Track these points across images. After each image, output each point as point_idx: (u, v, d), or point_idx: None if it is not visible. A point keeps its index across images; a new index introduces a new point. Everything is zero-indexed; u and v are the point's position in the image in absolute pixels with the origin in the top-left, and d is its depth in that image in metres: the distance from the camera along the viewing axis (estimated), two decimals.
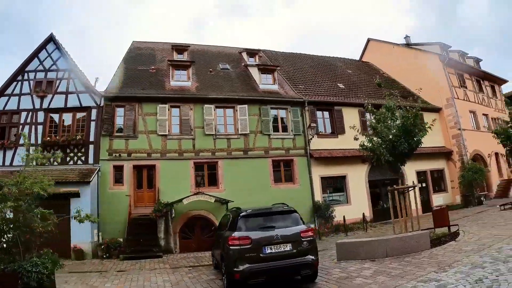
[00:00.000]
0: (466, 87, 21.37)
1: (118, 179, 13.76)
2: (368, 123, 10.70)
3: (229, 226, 7.01)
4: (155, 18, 77.12)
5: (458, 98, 20.29)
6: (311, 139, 16.24)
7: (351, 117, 17.49)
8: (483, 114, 21.86)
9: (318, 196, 15.85)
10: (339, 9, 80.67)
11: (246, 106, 16.02)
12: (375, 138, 10.53)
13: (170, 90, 16.00)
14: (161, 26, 74.72)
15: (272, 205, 8.03)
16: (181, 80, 16.82)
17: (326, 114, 17.51)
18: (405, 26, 70.95)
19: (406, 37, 24.35)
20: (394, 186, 10.47)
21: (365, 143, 10.82)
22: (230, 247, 6.10)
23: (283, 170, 16.02)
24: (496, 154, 22.09)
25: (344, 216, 14.63)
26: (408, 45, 22.91)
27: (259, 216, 6.68)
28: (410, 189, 10.61)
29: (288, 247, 6.06)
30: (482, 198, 18.82)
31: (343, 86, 19.43)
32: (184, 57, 19.80)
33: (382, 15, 77.95)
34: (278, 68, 18.61)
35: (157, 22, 76.10)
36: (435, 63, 20.39)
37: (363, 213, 14.99)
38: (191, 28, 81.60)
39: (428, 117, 19.86)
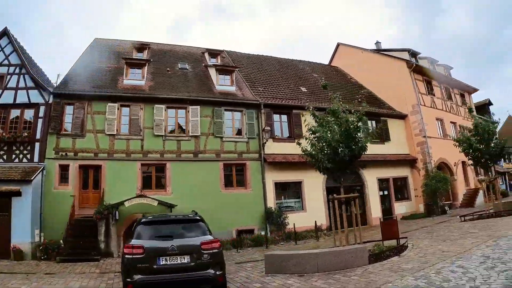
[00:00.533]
0: (434, 94, 20.65)
1: (64, 179, 13.08)
2: (308, 127, 9.69)
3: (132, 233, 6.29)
4: (136, 19, 76.29)
5: (424, 105, 19.53)
6: (265, 143, 15.28)
7: (310, 121, 16.55)
8: (451, 122, 21.13)
9: (271, 202, 14.91)
10: (325, 16, 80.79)
11: (198, 107, 15.11)
12: (316, 143, 9.54)
13: (122, 88, 15.05)
14: (142, 27, 73.88)
15: (185, 214, 7.53)
16: (135, 79, 15.88)
17: (284, 117, 16.58)
18: (388, 35, 71.08)
19: (377, 43, 23.69)
20: (335, 195, 9.45)
21: (308, 148, 9.85)
22: (125, 256, 5.57)
23: (235, 175, 15.12)
24: (463, 162, 21.30)
25: (294, 224, 13.71)
26: (377, 50, 22.16)
27: (159, 224, 6.14)
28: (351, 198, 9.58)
29: (185, 259, 5.50)
30: (446, 208, 17.97)
31: (306, 90, 18.54)
32: (144, 55, 18.82)
33: (366, 24, 78.12)
34: (237, 69, 17.69)
35: (138, 24, 75.25)
36: (402, 69, 19.68)
37: (315, 221, 13.97)
38: (173, 29, 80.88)
39: (393, 124, 19.26)
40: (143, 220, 6.16)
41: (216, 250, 5.73)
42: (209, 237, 5.86)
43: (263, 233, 13.90)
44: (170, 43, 21.38)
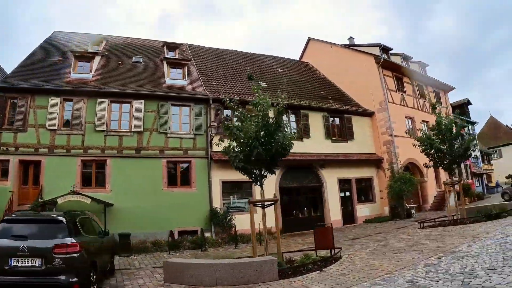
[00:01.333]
0: (404, 92, 19.16)
1: (3, 174, 12.33)
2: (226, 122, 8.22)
3: None
4: (123, 14, 75.06)
5: (393, 102, 18.06)
6: (212, 139, 13.82)
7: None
8: (423, 121, 19.61)
9: (218, 202, 13.61)
10: (315, 16, 79.34)
11: (142, 101, 13.82)
12: (231, 140, 8.06)
13: (67, 82, 13.95)
14: (130, 23, 72.62)
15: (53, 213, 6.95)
16: (83, 72, 14.78)
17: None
18: (379, 36, 69.62)
19: (350, 38, 22.18)
20: (250, 199, 8.01)
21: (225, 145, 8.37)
22: None
23: (179, 173, 13.83)
24: None
25: (235, 226, 12.55)
26: (347, 46, 20.65)
27: (19, 222, 5.60)
28: (267, 203, 8.13)
29: (37, 262, 5.02)
30: (412, 211, 16.48)
31: (265, 85, 17.06)
32: (100, 49, 17.52)
33: (361, 26, 76.63)
34: (189, 63, 16.29)
35: (125, 20, 74.02)
36: (370, 64, 18.19)
37: (259, 224, 12.48)
38: (160, 26, 79.69)
39: (360, 122, 17.76)
40: (6, 217, 5.80)
41: (72, 255, 5.13)
42: (67, 240, 5.21)
43: (208, 234, 12.59)
44: (132, 37, 19.98)
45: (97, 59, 15.69)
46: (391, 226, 13.93)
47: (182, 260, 7.40)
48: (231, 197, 14.32)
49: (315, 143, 15.88)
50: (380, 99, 17.57)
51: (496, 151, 34.46)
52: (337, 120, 17.05)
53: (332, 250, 8.11)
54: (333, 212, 15.59)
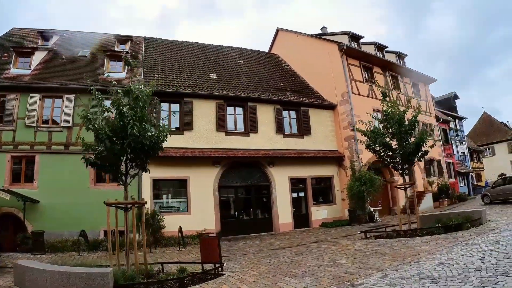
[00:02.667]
0: (374, 83, 16.60)
1: None
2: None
3: None
4: (121, 12, 74.43)
5: (359, 94, 15.66)
6: None
7: (205, 110, 13.21)
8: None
9: (147, 202, 11.62)
10: (315, 15, 76.34)
11: (73, 96, 12.54)
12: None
13: (4, 78, 12.90)
14: (130, 21, 71.82)
15: None
16: (23, 67, 13.70)
17: (176, 106, 13.19)
18: (378, 35, 66.01)
19: (323, 27, 19.76)
20: (108, 199, 6.16)
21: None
22: None
23: None
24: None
25: (164, 227, 11.08)
26: (314, 35, 18.27)
27: None
28: (130, 206, 6.27)
29: None
30: (375, 215, 14.09)
31: (216, 77, 15.06)
32: (50, 43, 16.51)
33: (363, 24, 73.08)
34: (128, 55, 14.47)
35: (123, 18, 73.32)
36: (333, 53, 15.83)
37: (179, 226, 10.62)
38: (162, 25, 78.76)
39: (319, 115, 15.41)
40: None
41: None
42: None
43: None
44: (81, 31, 18.40)
45: (40, 55, 14.57)
46: (341, 232, 11.73)
47: (24, 263, 6.08)
48: (164, 196, 12.49)
49: (263, 138, 13.81)
50: (342, 90, 15.18)
51: (488, 148, 30.94)
52: (293, 114, 14.84)
53: (215, 265, 6.39)
54: (283, 214, 13.47)
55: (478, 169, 27.07)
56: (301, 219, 13.90)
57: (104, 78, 13.66)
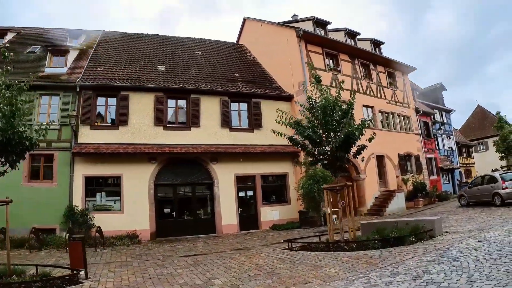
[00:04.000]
0: (339, 71, 14.56)
1: None
2: None
3: None
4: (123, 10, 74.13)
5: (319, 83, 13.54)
6: (75, 130, 11.12)
7: (143, 104, 11.71)
8: (365, 106, 14.89)
9: (79, 200, 10.77)
10: (315, 11, 73.39)
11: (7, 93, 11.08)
12: None
13: None
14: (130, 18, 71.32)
15: None
16: None
17: (112, 100, 11.75)
18: (378, 31, 62.67)
19: (294, 15, 17.77)
20: None
21: None
22: None
23: (42, 166, 11.19)
24: (381, 157, 15.06)
25: (95, 226, 9.73)
26: (283, 23, 16.29)
27: None
28: None
29: None
30: (334, 216, 12.04)
31: (164, 69, 13.50)
32: (4, 40, 15.48)
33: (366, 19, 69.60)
34: (70, 50, 13.34)
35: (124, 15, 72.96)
36: (292, 39, 13.88)
37: (98, 227, 9.22)
38: (162, 21, 78.07)
39: (274, 107, 13.12)
40: None
41: None
42: None
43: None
44: (46, 27, 17.26)
45: None
46: (279, 238, 9.89)
47: None
48: (98, 194, 11.12)
49: (207, 132, 12.17)
50: (299, 80, 13.24)
51: (482, 143, 27.68)
52: (243, 106, 13.06)
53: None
54: (227, 215, 11.82)
55: (468, 165, 24.14)
56: (249, 220, 12.17)
57: (45, 73, 12.52)
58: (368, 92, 15.42)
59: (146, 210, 11.11)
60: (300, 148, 8.26)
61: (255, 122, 12.92)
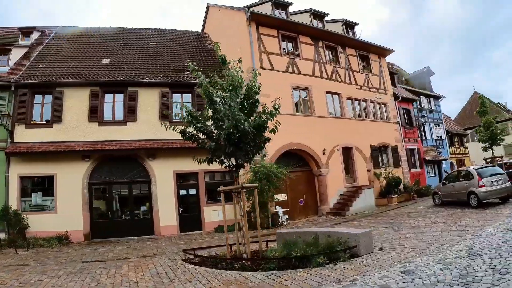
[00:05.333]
0: (298, 55, 12.71)
1: None
2: None
3: None
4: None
5: (273, 69, 12.02)
6: (9, 129, 10.24)
7: (78, 100, 10.66)
8: (328, 92, 12.98)
9: (14, 200, 9.98)
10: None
11: None
12: None
13: None
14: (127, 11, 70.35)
15: None
16: None
17: (49, 98, 10.75)
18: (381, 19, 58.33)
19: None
20: None
21: None
22: None
23: None
24: (348, 149, 13.17)
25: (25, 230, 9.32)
26: (242, 8, 14.52)
27: None
28: None
29: None
30: (283, 217, 10.58)
31: (108, 62, 12.29)
32: None
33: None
34: (12, 48, 12.48)
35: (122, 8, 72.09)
36: (242, 22, 12.18)
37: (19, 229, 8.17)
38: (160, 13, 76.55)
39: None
40: None
41: None
42: None
43: (2, 235, 9.42)
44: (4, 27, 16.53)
45: None
46: (207, 242, 8.46)
47: None
48: (34, 194, 10.24)
49: (145, 127, 10.98)
50: (248, 65, 11.56)
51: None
52: (187, 97, 11.62)
53: None
54: (166, 215, 10.59)
55: (461, 155, 21.24)
56: (191, 220, 10.85)
57: None
58: (334, 77, 13.44)
59: (79, 211, 10.12)
60: (192, 142, 6.61)
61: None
